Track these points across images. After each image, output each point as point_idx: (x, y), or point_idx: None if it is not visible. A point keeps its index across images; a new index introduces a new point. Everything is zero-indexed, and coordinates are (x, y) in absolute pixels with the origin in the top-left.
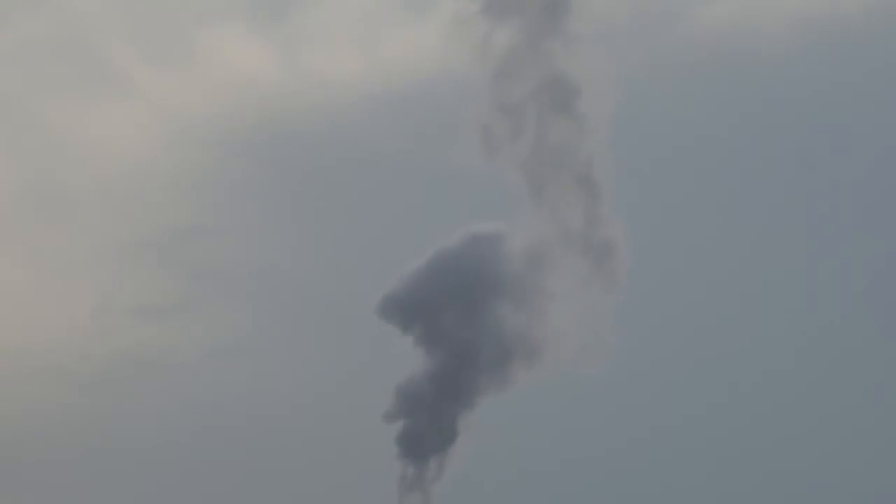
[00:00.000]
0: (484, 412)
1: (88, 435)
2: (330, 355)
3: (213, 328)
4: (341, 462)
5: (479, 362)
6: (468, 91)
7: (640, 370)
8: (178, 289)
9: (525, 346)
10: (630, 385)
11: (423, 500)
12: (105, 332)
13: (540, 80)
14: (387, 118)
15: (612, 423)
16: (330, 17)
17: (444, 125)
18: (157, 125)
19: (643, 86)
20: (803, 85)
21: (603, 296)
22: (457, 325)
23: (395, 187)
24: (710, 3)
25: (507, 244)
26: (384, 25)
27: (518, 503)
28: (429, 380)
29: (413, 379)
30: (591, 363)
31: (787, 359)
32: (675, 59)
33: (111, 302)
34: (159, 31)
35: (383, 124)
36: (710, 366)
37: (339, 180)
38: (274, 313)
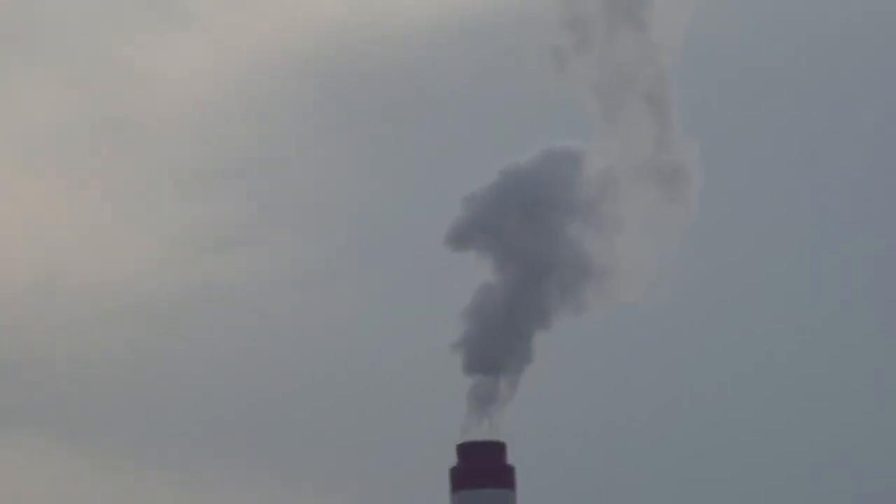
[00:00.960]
0: (554, 337)
1: (160, 368)
2: (399, 285)
3: (284, 261)
4: (412, 388)
5: (551, 281)
6: (537, 15)
7: (709, 297)
8: (248, 222)
9: (596, 269)
10: (698, 313)
11: (492, 425)
12: (176, 266)
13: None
14: (456, 47)
15: (679, 350)
16: None
17: (514, 51)
18: (227, 59)
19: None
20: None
21: (674, 221)
22: (528, 243)
23: (465, 117)
24: None
25: (581, 165)
26: None
27: (585, 431)
28: (500, 299)
29: (485, 298)
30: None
31: (870, 286)
32: None
33: (182, 236)
34: None
35: (452, 53)
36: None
37: (408, 111)
38: (344, 245)
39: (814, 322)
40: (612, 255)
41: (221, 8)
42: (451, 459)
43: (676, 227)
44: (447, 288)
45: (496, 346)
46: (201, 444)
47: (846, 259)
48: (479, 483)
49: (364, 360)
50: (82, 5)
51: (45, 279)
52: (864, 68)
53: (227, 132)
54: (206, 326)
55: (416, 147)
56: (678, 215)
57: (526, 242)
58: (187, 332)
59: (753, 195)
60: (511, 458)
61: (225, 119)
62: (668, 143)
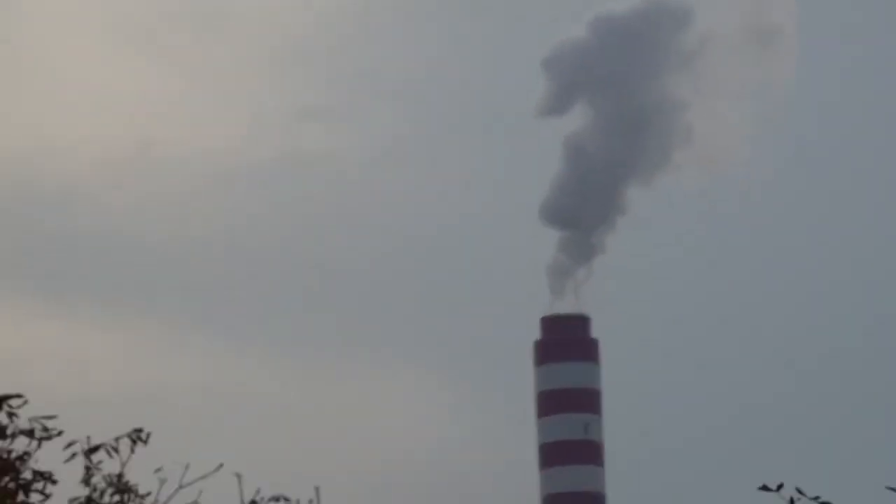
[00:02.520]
0: (644, 204)
1: (251, 238)
2: (490, 157)
3: (373, 131)
4: (499, 259)
5: (643, 135)
6: None
7: (807, 165)
8: (338, 93)
9: (691, 132)
10: (794, 182)
11: (577, 297)
12: (264, 137)
13: None
14: None
15: (773, 221)
16: None
17: None
18: None
19: None
20: None
21: (770, 85)
22: (623, 101)
23: None
24: None
25: (681, 21)
26: None
27: (671, 304)
28: (592, 160)
29: (576, 161)
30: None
31: None
32: None
33: (270, 107)
34: None
35: None
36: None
37: None
38: (433, 117)
39: None
40: (708, 119)
41: None
42: (536, 333)
43: (774, 93)
44: (538, 154)
45: (586, 211)
46: (291, 309)
47: None
48: (563, 356)
49: (451, 228)
50: None
51: (139, 150)
52: None
53: (314, 4)
54: (297, 193)
55: (508, 16)
56: (776, 79)
57: (620, 100)
58: (271, 202)
59: (852, 61)
60: (595, 332)
61: None
62: (767, 5)
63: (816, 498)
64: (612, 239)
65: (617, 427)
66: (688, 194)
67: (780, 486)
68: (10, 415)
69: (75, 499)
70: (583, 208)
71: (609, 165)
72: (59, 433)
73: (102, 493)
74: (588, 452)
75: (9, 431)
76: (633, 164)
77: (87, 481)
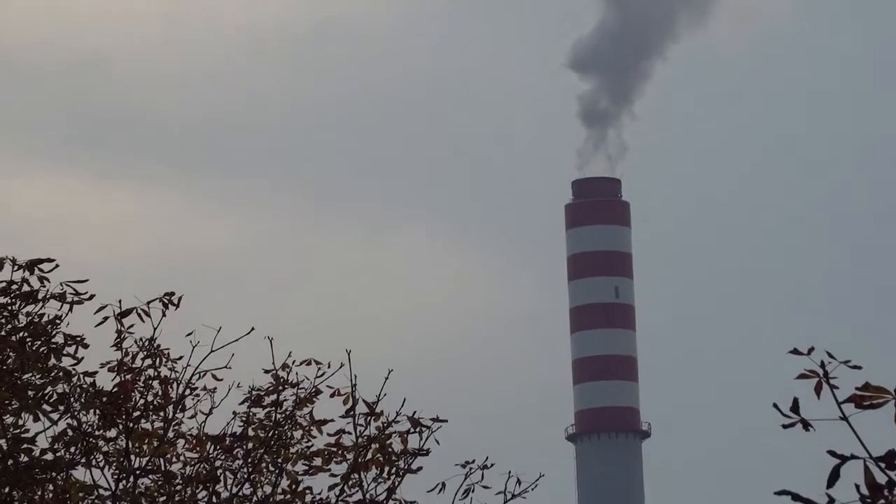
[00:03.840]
0: (673, 61)
1: (278, 110)
2: (517, 8)
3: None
4: (530, 120)
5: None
6: None
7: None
8: None
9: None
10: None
11: (609, 160)
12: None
13: None
14: None
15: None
16: None
17: None
18: None
19: None
20: None
21: None
22: None
23: None
24: None
25: None
26: None
27: (702, 167)
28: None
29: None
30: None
31: None
32: None
33: None
34: None
35: None
36: None
37: None
38: None
39: None
40: None
41: None
42: (567, 196)
43: None
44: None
45: (617, 67)
46: (323, 173)
47: None
48: (593, 219)
49: (480, 89)
50: None
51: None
52: None
53: None
54: (328, 59)
55: None
56: None
57: None
58: (307, 65)
59: None
60: (626, 195)
61: None
62: None
63: (847, 362)
64: (644, 101)
65: (647, 290)
66: (722, 54)
67: (810, 350)
68: (42, 279)
69: (107, 363)
70: (618, 65)
71: (648, 21)
72: (91, 297)
73: (134, 357)
74: (619, 315)
75: (40, 296)
76: (671, 19)
77: (118, 345)
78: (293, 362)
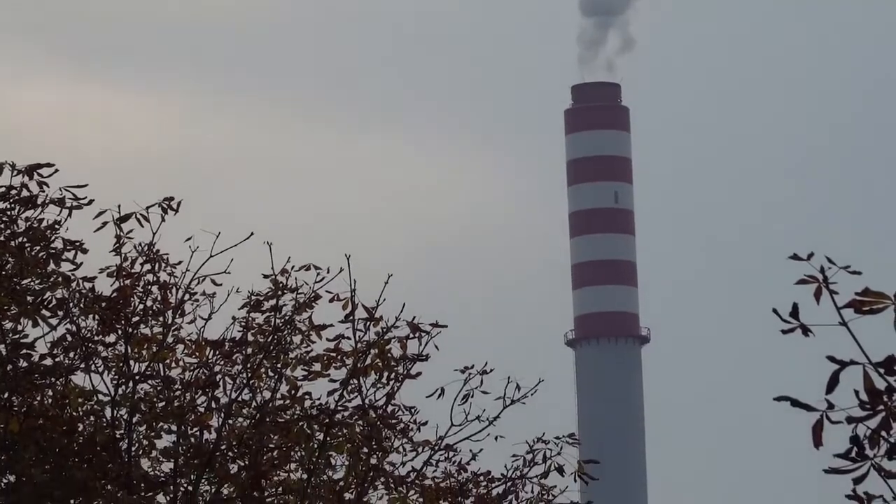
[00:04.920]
0: None
1: (276, 8)
2: None
3: None
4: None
5: None
6: None
7: None
8: None
9: None
10: None
11: (609, 66)
12: None
13: None
14: None
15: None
16: None
17: None
18: None
19: None
20: None
21: None
22: None
23: None
24: None
25: None
26: None
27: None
28: None
29: None
30: None
31: None
32: None
33: None
34: None
35: None
36: None
37: None
38: None
39: None
40: None
41: None
42: (566, 101)
43: None
44: None
45: None
46: (323, 73)
47: None
48: (593, 124)
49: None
50: None
51: None
52: None
53: None
54: None
55: None
56: None
57: None
58: None
59: None
60: (626, 100)
61: None
62: None
63: (846, 267)
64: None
65: (647, 195)
66: None
67: (810, 256)
68: (41, 184)
69: (106, 268)
70: None
71: None
72: (90, 202)
73: (133, 262)
74: (618, 220)
75: (39, 201)
76: None
77: (117, 250)
78: (292, 267)
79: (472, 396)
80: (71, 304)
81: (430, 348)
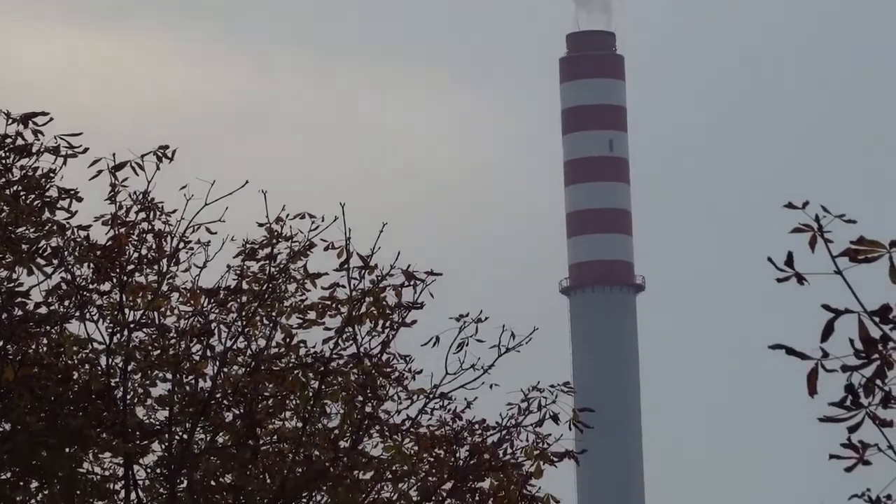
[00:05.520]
0: None
1: None
2: None
3: None
4: None
5: None
6: None
7: None
8: None
9: None
10: None
11: (603, 11)
12: None
13: None
14: None
15: None
16: None
17: None
18: None
19: None
20: None
21: None
22: None
23: None
24: None
25: None
26: None
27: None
28: None
29: None
30: None
31: None
32: None
33: None
34: None
35: None
36: None
37: None
38: None
39: None
40: None
41: None
42: (561, 49)
43: None
44: None
45: None
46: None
47: None
48: (588, 73)
49: None
50: None
51: None
52: None
53: None
54: None
55: None
56: None
57: None
58: None
59: None
60: (621, 48)
61: None
62: None
63: (841, 216)
64: None
65: (642, 144)
66: None
67: (805, 204)
68: (36, 132)
69: (101, 216)
70: None
71: None
72: (85, 150)
73: (128, 211)
74: (613, 169)
75: (34, 149)
76: None
77: (112, 199)
78: (287, 216)
79: (467, 345)
80: (66, 253)
81: (425, 296)
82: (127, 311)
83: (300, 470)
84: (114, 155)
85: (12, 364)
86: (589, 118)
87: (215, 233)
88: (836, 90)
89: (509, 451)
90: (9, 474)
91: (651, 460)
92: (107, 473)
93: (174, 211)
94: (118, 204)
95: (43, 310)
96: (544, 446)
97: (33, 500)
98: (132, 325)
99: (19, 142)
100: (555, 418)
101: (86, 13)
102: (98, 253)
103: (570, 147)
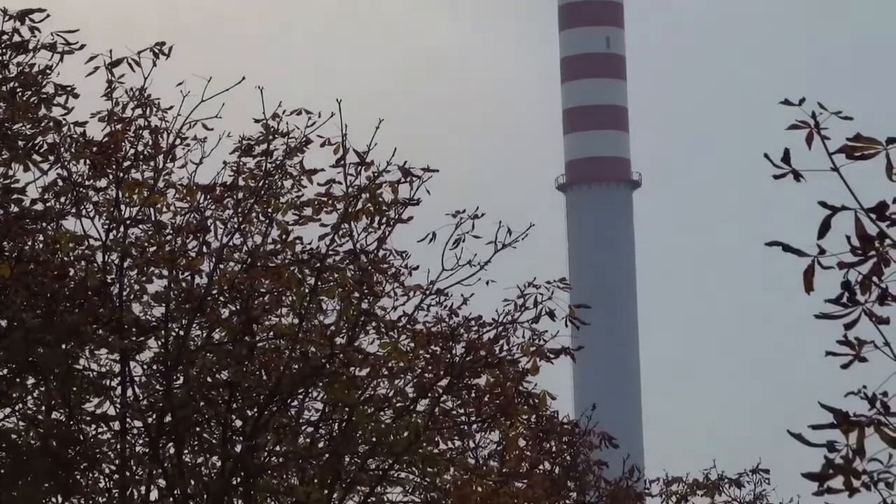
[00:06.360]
0: None
1: None
2: None
3: None
4: None
5: None
6: None
7: None
8: None
9: None
10: None
11: None
12: None
13: None
14: None
15: None
16: None
17: None
18: None
19: None
20: None
21: None
22: None
23: None
24: None
25: None
26: None
27: None
28: None
29: None
30: None
31: None
32: None
33: None
34: None
35: None
36: None
37: None
38: None
39: None
40: None
41: None
42: None
43: None
44: None
45: None
46: None
47: None
48: None
49: None
50: None
51: None
52: None
53: None
54: None
55: None
56: None
57: None
58: None
59: None
60: None
61: None
62: None
63: (838, 113)
64: None
65: (639, 40)
66: None
67: (801, 101)
68: (32, 29)
69: (97, 113)
70: None
71: None
72: (82, 47)
73: (124, 107)
74: (610, 65)
75: (31, 45)
76: None
77: (108, 95)
78: (283, 112)
79: (464, 241)
80: (62, 149)
81: (422, 193)
82: (123, 207)
83: (296, 366)
84: (110, 52)
85: (9, 261)
86: (586, 15)
87: (212, 129)
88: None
89: (505, 347)
90: (5, 371)
91: (647, 357)
92: (103, 370)
93: (170, 107)
94: (114, 100)
95: (39, 206)
96: (540, 343)
97: (30, 397)
98: (128, 222)
99: (16, 38)
100: (551, 315)
101: None
102: (94, 149)
103: (567, 44)
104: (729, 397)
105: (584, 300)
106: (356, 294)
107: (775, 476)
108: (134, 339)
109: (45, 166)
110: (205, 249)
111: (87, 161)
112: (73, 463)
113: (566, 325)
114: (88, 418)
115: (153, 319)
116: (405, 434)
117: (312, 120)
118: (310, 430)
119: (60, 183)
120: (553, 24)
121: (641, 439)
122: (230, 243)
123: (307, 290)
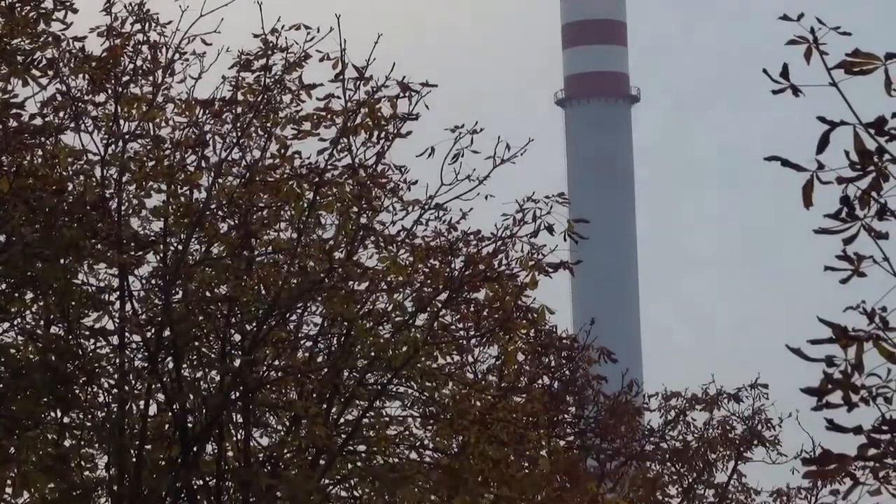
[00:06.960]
0: None
1: None
2: None
3: None
4: None
5: None
6: None
7: None
8: None
9: None
10: None
11: None
12: None
13: None
14: None
15: None
16: None
17: None
18: None
19: None
20: None
21: None
22: None
23: None
24: None
25: None
26: None
27: None
28: None
29: None
30: None
31: None
32: None
33: None
34: None
35: None
36: None
37: None
38: None
39: None
40: None
41: None
42: None
43: None
44: None
45: None
46: None
47: None
48: None
49: None
50: None
51: None
52: None
53: None
54: None
55: None
56: None
57: None
58: None
59: None
60: None
61: None
62: None
63: (836, 28)
64: None
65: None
66: None
67: (800, 16)
68: None
69: (96, 28)
70: None
71: None
72: None
73: (123, 22)
74: (611, 32)
75: None
76: None
77: (107, 10)
78: (282, 27)
79: (462, 156)
80: (61, 64)
81: (420, 108)
82: (122, 122)
83: (295, 281)
84: None
85: (7, 175)
86: None
87: (210, 44)
88: None
89: (504, 261)
90: (3, 285)
91: (646, 271)
92: (101, 284)
93: (169, 22)
94: (113, 15)
95: (38, 121)
96: (539, 257)
97: (28, 311)
98: (127, 136)
99: None
100: (549, 229)
101: None
102: (93, 64)
103: (568, 10)
104: (725, 306)
105: (582, 215)
106: (355, 208)
107: (774, 391)
108: (133, 253)
109: (43, 81)
110: (203, 164)
111: (86, 76)
112: (71, 377)
113: (564, 240)
114: (87, 333)
115: (152, 234)
116: (404, 348)
117: (311, 35)
118: (308, 344)
119: (59, 98)
120: None
121: (640, 354)
122: (229, 158)
123: (306, 205)
